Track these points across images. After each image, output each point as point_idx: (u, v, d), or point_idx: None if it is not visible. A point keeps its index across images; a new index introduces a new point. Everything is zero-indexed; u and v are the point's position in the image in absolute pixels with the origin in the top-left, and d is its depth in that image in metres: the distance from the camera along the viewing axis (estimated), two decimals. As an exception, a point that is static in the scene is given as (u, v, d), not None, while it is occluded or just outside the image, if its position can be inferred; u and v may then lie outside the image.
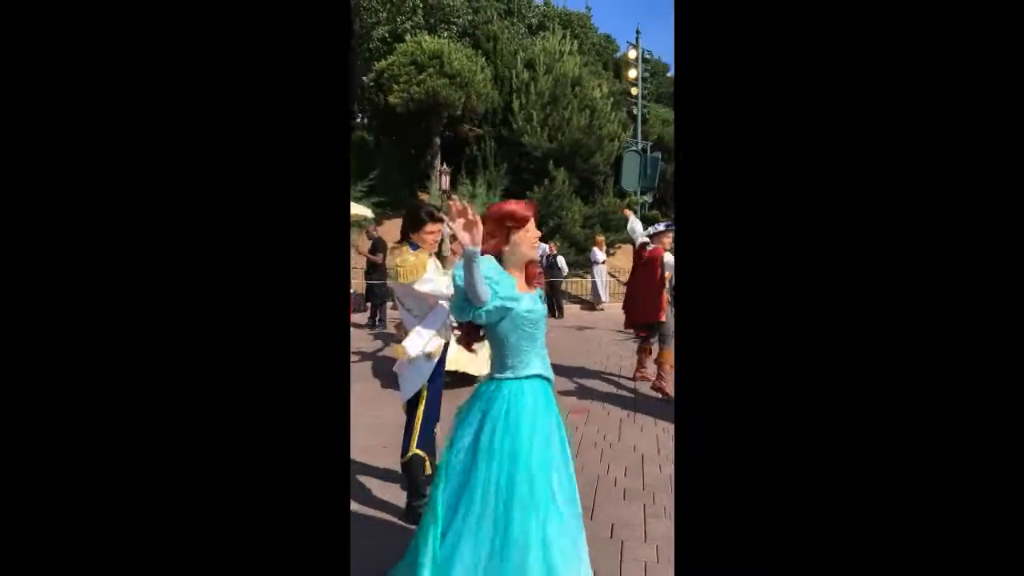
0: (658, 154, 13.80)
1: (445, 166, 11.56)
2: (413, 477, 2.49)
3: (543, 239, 11.21)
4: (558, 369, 5.43)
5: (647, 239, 4.80)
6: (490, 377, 1.71)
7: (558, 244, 11.65)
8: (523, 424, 1.59)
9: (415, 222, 2.40)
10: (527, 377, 1.67)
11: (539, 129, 12.70)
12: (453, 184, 12.37)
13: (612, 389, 5.03)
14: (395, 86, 12.76)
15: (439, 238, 2.44)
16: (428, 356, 2.41)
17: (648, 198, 14.87)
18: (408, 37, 13.91)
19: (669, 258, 4.59)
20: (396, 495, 2.83)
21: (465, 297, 1.60)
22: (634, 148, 13.13)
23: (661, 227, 4.88)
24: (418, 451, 2.44)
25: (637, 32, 13.65)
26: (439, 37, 13.78)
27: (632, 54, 13.14)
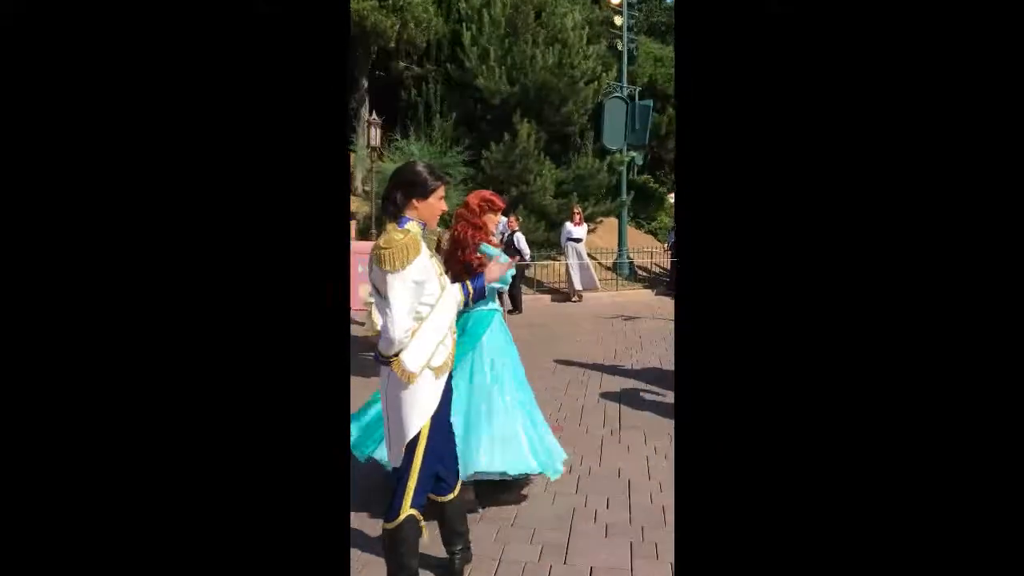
0: (649, 102, 13.93)
1: (375, 116, 11.21)
2: (400, 548, 2.31)
3: (504, 212, 11.21)
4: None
5: None
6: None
7: (521, 218, 11.47)
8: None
9: (419, 187, 2.36)
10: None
11: (496, 69, 12.44)
12: (385, 139, 12.07)
13: (590, 400, 5.13)
14: (307, 10, 12.38)
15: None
16: (435, 372, 2.34)
17: (638, 157, 14.94)
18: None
19: None
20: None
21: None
22: (618, 94, 13.24)
23: None
24: (412, 511, 2.33)
25: (620, -56, 13.02)
26: (364, -53, 13.34)
27: (614, -28, 12.98)
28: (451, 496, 2.54)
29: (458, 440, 2.75)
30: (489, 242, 3.27)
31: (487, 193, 3.38)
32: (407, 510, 2.30)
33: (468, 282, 2.62)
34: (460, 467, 2.69)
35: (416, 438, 2.31)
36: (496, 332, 3.30)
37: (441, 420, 2.42)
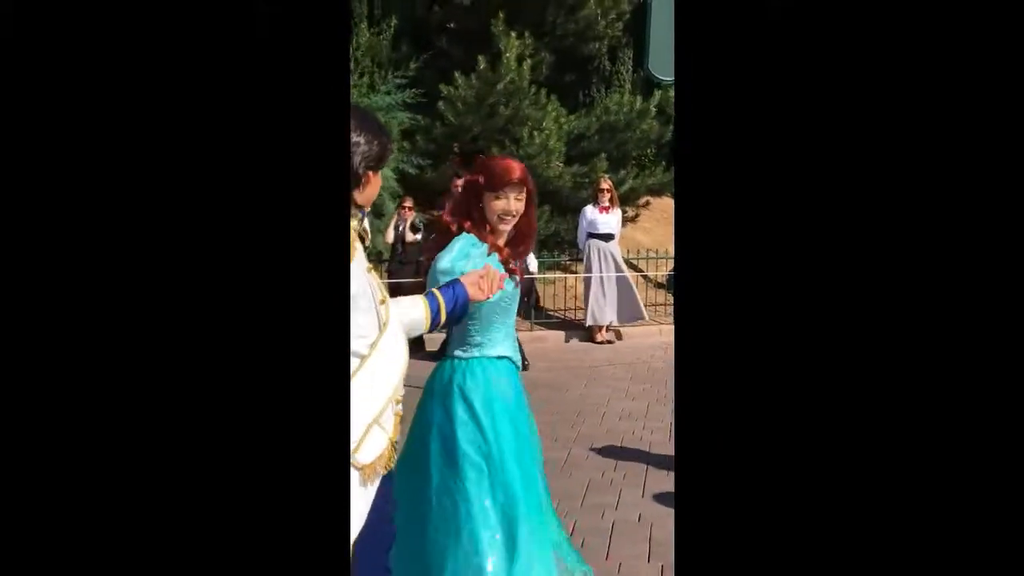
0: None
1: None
2: None
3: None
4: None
5: None
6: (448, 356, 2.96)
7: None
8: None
9: (372, 149, 2.31)
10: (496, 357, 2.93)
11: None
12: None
13: (626, 512, 4.76)
14: None
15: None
16: (362, 474, 2.09)
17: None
18: None
19: None
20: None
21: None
22: (671, -13, 11.59)
23: None
24: None
25: None
26: None
27: None
28: None
29: None
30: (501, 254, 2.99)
31: (494, 160, 3.16)
32: None
33: (438, 290, 2.43)
34: None
35: None
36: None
37: (369, 563, 2.26)
